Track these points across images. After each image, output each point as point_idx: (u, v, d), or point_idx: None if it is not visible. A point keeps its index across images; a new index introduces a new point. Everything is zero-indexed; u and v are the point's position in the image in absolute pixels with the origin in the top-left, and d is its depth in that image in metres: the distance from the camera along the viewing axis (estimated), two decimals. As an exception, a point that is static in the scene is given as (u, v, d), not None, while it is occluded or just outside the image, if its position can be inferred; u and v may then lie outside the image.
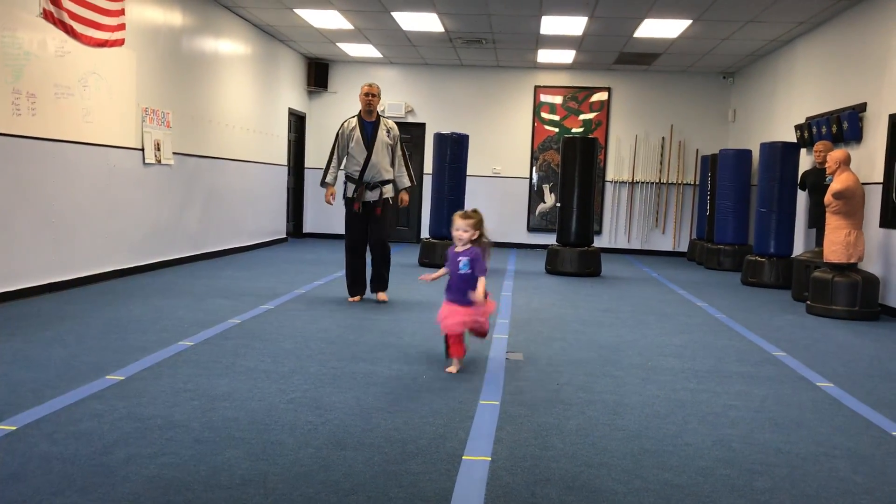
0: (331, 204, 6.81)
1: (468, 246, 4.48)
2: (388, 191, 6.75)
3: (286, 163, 12.79)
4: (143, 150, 7.98)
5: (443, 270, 4.60)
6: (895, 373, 4.89)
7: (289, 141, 12.92)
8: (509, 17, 9.61)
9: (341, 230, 14.20)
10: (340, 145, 6.73)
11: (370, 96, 6.69)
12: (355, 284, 6.82)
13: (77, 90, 6.82)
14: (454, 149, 10.05)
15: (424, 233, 13.34)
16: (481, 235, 4.53)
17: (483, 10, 9.32)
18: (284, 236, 12.81)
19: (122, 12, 7.20)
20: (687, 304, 7.56)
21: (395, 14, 9.68)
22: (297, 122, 13.43)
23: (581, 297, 7.82)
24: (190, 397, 3.67)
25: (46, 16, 6.21)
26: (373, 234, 6.72)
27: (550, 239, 12.16)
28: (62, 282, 6.73)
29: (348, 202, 6.73)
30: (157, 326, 5.32)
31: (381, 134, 6.70)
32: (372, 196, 6.67)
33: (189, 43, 9.00)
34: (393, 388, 4.00)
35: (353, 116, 6.80)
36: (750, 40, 10.32)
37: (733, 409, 3.90)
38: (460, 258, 4.44)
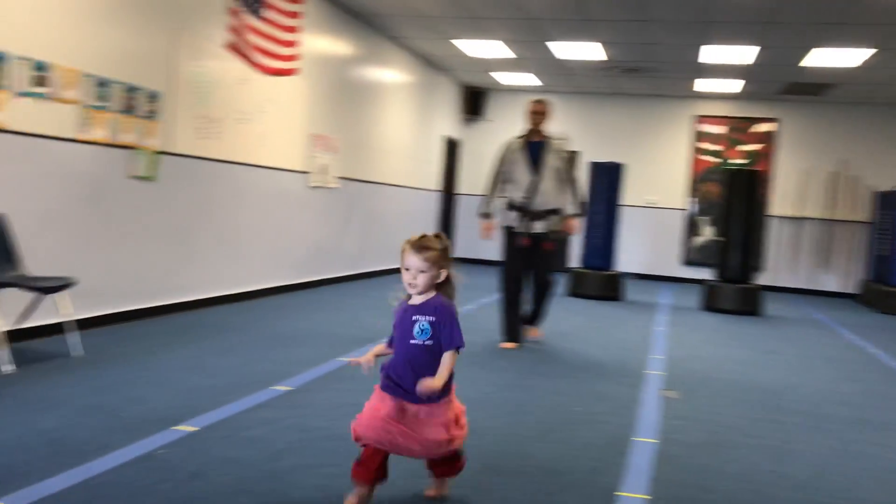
0: (488, 238, 6.06)
1: (429, 295, 2.75)
2: (557, 222, 5.95)
3: (438, 188, 13.08)
4: (309, 173, 8.40)
5: (379, 347, 2.80)
6: None
7: (442, 167, 13.21)
8: (670, 45, 9.44)
9: (492, 256, 14.38)
10: (502, 169, 5.97)
11: (537, 114, 5.93)
12: (513, 329, 5.95)
13: (255, 116, 7.29)
14: (609, 177, 9.95)
15: (573, 262, 13.22)
16: (449, 278, 2.79)
17: (645, 40, 9.21)
18: (435, 260, 13.06)
19: (297, 43, 7.65)
20: (858, 350, 7.09)
21: (556, 43, 9.73)
22: (451, 149, 13.72)
23: (741, 336, 7.49)
24: (351, 411, 3.78)
25: (230, 47, 6.69)
26: (538, 270, 5.95)
27: (706, 274, 11.74)
28: (233, 294, 7.17)
29: (509, 233, 5.92)
30: (320, 341, 5.56)
31: (549, 156, 5.88)
32: (538, 227, 5.85)
33: (356, 72, 9.42)
34: (546, 418, 3.99)
35: (517, 137, 6.05)
36: (936, 70, 9.63)
37: (914, 466, 3.62)
38: (416, 319, 2.69)
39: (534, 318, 6.17)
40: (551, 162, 5.86)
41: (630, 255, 12.93)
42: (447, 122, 13.18)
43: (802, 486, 3.21)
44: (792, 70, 10.25)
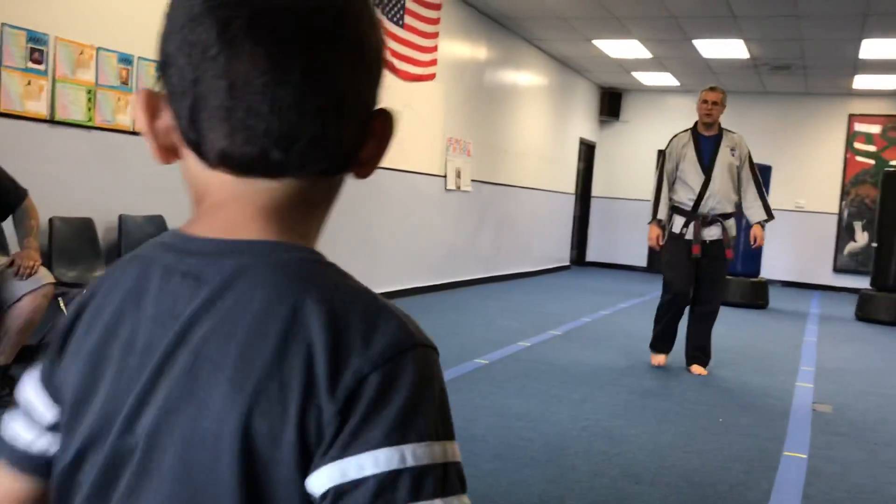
0: (656, 248, 5.23)
1: None
2: (732, 228, 5.21)
3: (574, 191, 12.94)
4: (445, 176, 8.51)
5: None
6: None
7: (578, 170, 13.06)
8: (824, 41, 8.93)
9: (626, 260, 14.11)
10: (669, 168, 5.23)
11: (710, 104, 5.14)
12: (664, 340, 5.29)
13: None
14: (754, 181, 9.53)
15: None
16: None
17: (795, 36, 8.76)
18: (568, 263, 12.94)
19: (435, 48, 7.77)
20: None
21: (697, 42, 9.43)
22: (587, 152, 13.54)
23: (899, 348, 7.00)
24: (487, 413, 3.82)
25: (373, 54, 6.88)
26: (703, 287, 5.14)
27: (861, 282, 11.04)
28: (371, 295, 7.36)
29: (675, 240, 5.15)
30: (455, 342, 5.62)
31: (724, 153, 5.15)
32: (710, 234, 5.09)
33: (491, 76, 9.47)
34: (688, 427, 3.87)
35: (686, 130, 5.32)
36: None
37: None
38: None
39: (701, 354, 5.20)
40: (726, 160, 5.13)
41: (777, 262, 12.32)
42: (583, 123, 13.02)
43: (975, 514, 2.96)
44: (961, 63, 9.48)
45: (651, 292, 10.04)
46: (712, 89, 5.20)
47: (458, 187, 8.82)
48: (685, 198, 5.16)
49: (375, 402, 0.55)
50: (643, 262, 13.45)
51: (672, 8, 8.01)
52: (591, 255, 13.89)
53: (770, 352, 6.31)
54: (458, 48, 8.55)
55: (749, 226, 5.27)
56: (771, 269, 11.94)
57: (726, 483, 3.09)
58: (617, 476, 3.06)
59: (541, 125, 11.19)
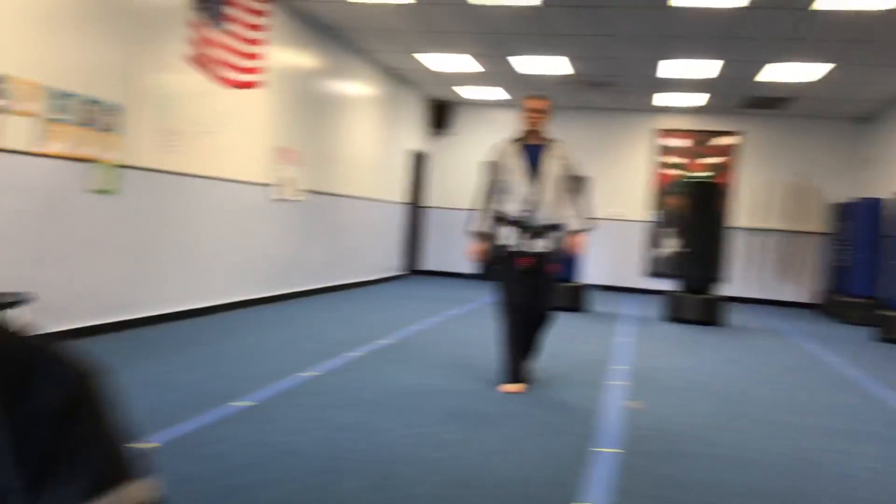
0: (480, 261, 5.12)
1: None
2: (562, 239, 5.04)
3: (406, 201, 13.09)
4: (273, 186, 8.36)
5: None
6: None
7: (409, 180, 13.22)
8: (632, 60, 9.57)
9: (461, 268, 14.41)
10: (493, 177, 5.07)
11: (535, 112, 5.04)
12: (517, 368, 4.94)
13: (217, 129, 7.24)
14: (573, 191, 10.03)
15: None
16: None
17: (608, 54, 9.33)
18: (402, 272, 13.06)
19: (260, 56, 7.62)
20: (815, 360, 7.21)
21: (518, 58, 9.81)
22: (418, 162, 13.75)
23: (701, 346, 7.58)
24: (314, 426, 3.78)
25: (192, 60, 6.65)
26: (535, 300, 4.96)
27: (670, 285, 11.87)
28: (196, 309, 7.09)
29: (506, 254, 4.98)
30: (283, 356, 5.52)
31: (550, 161, 5.00)
32: (540, 246, 4.94)
33: (321, 85, 9.41)
34: (511, 430, 4.00)
35: (511, 139, 5.18)
36: (892, 85, 9.86)
37: (872, 472, 3.69)
38: None
39: (525, 354, 5.05)
40: (553, 169, 4.98)
41: (594, 268, 13.03)
42: (414, 135, 13.20)
43: (765, 495, 3.25)
44: (752, 84, 10.44)
45: (482, 297, 10.33)
46: (536, 97, 5.10)
47: (288, 197, 8.69)
48: (512, 208, 4.98)
49: None
50: (475, 270, 13.81)
51: (498, 25, 8.30)
52: (429, 263, 14.08)
53: (586, 353, 6.65)
54: (286, 57, 8.43)
55: (570, 233, 5.04)
56: (589, 274, 12.61)
57: (541, 481, 3.22)
58: (441, 481, 3.12)
59: (372, 135, 11.25)
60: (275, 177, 8.38)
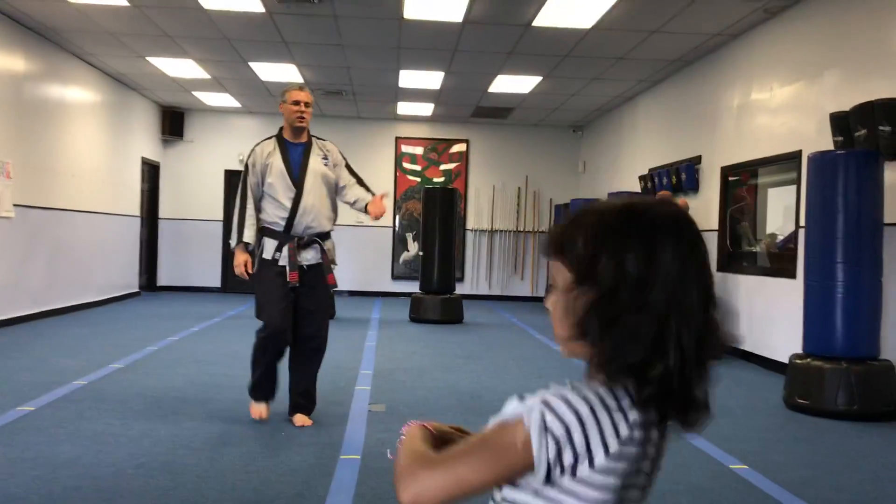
0: (246, 276, 4.34)
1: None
2: (332, 249, 4.56)
3: (139, 213, 12.32)
4: (-21, 201, 7.49)
5: None
6: (733, 408, 5.22)
7: (142, 191, 12.47)
8: (368, 70, 9.76)
9: (200, 281, 13.84)
10: (253, 181, 4.38)
11: (301, 105, 4.40)
12: (265, 385, 4.43)
13: None
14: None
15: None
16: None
17: (342, 63, 9.43)
18: (137, 290, 12.27)
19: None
20: (545, 348, 7.81)
21: (252, 64, 9.62)
22: (151, 172, 13.00)
23: (443, 344, 7.91)
24: (30, 467, 3.44)
25: None
26: (305, 320, 4.38)
27: (414, 287, 12.26)
28: None
29: (268, 267, 4.32)
30: (-7, 391, 4.96)
31: (315, 161, 4.42)
32: (307, 258, 4.38)
33: (32, 90, 8.58)
34: (250, 447, 3.91)
35: (269, 138, 4.50)
36: (596, 96, 10.93)
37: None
38: None
39: (306, 401, 4.45)
40: (319, 169, 4.41)
41: (342, 273, 13.10)
42: (146, 143, 12.46)
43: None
44: (478, 95, 11.08)
45: (225, 312, 9.99)
46: (300, 89, 4.47)
47: (-3, 214, 7.82)
48: (276, 216, 4.34)
49: None
50: (217, 283, 13.34)
51: (224, 30, 8.07)
52: (163, 279, 13.35)
53: (332, 360, 6.67)
54: (-14, 58, 7.60)
55: (365, 210, 4.52)
56: (338, 280, 12.68)
57: (284, 497, 3.18)
58: (174, 510, 2.97)
59: (96, 144, 10.46)
60: (-20, 192, 7.51)
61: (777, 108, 6.99)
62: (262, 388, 4.43)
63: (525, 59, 8.94)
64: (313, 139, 4.51)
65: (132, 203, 11.95)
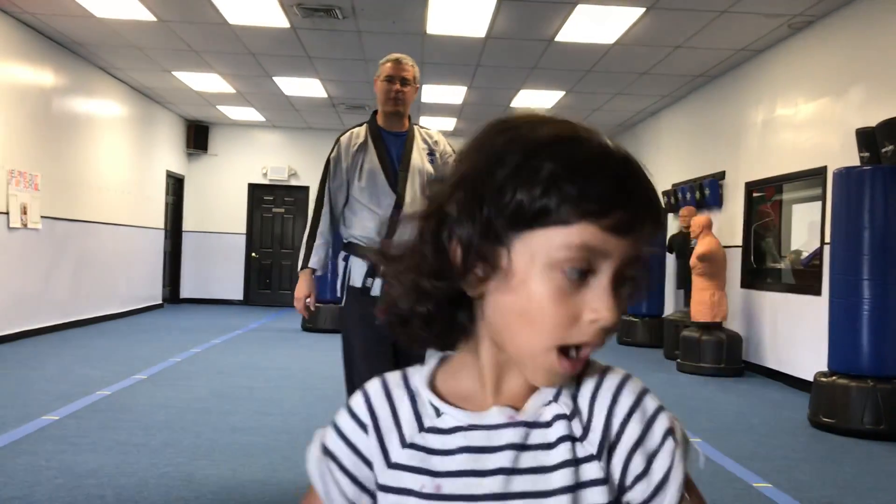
0: (307, 314, 3.32)
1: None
2: None
3: (163, 226, 12.44)
4: (7, 213, 7.60)
5: None
6: (757, 426, 5.17)
7: (166, 204, 12.59)
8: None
9: (221, 294, 13.93)
10: (335, 185, 3.26)
11: (396, 83, 3.24)
12: None
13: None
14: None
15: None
16: None
17: (365, 78, 9.48)
18: (160, 302, 12.37)
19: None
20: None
21: (276, 79, 9.72)
22: (176, 185, 13.14)
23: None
24: (53, 475, 3.46)
25: None
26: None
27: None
28: (-89, 354, 6.25)
29: (358, 299, 3.11)
30: (19, 401, 5.01)
31: (419, 157, 3.30)
32: None
33: (61, 104, 8.71)
34: (271, 459, 3.91)
35: (359, 125, 3.37)
36: (619, 111, 10.91)
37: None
38: None
39: None
40: (425, 167, 3.28)
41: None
42: (171, 156, 12.60)
43: None
44: (500, 110, 11.09)
45: (247, 324, 10.05)
46: (400, 61, 3.28)
47: (25, 225, 7.93)
48: (368, 229, 3.19)
49: None
50: (239, 296, 13.42)
51: (249, 45, 8.16)
52: (186, 291, 13.45)
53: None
54: (17, 73, 7.73)
55: None
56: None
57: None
58: (195, 521, 2.98)
59: (122, 158, 10.59)
60: (9, 204, 7.62)
61: (802, 124, 6.94)
62: None
63: (548, 74, 8.95)
64: (415, 128, 3.35)
65: (157, 215, 12.07)
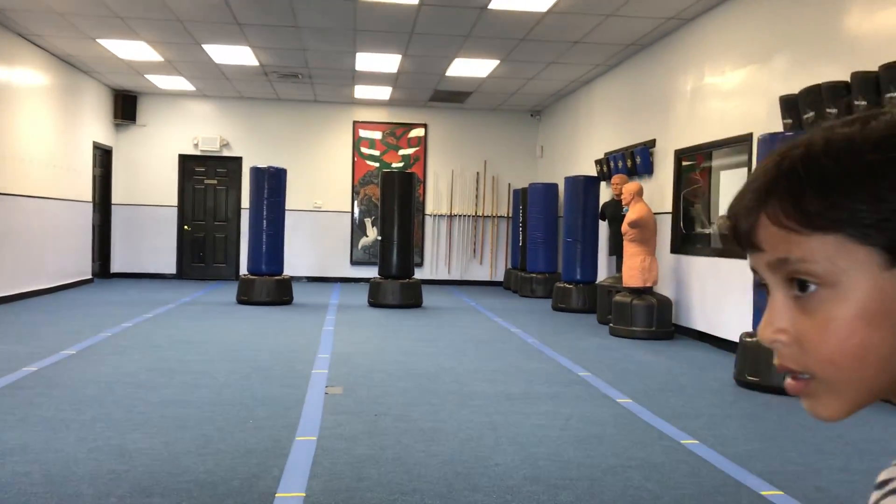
0: None
1: None
2: None
3: (91, 199, 12.08)
4: (-78, 186, 7.28)
5: None
6: (686, 386, 5.33)
7: (94, 176, 12.22)
8: (324, 52, 9.67)
9: (154, 268, 13.64)
10: None
11: None
12: None
13: None
14: (271, 183, 9.92)
15: (243, 269, 13.02)
16: None
17: (298, 45, 9.33)
18: (90, 277, 12.05)
19: None
20: (502, 331, 7.86)
21: (206, 47, 9.47)
22: (103, 157, 12.75)
23: (402, 328, 7.92)
24: (-25, 454, 3.37)
25: None
26: None
27: (373, 272, 12.23)
28: None
29: None
30: (-61, 379, 4.85)
31: None
32: None
33: (-23, 71, 8.34)
34: (204, 430, 3.88)
35: None
36: (553, 80, 10.98)
37: (541, 428, 4.10)
38: None
39: None
40: None
41: (300, 259, 13.06)
42: (98, 128, 12.21)
43: (449, 461, 3.48)
44: (436, 79, 11.05)
45: (179, 298, 9.87)
46: None
47: (-58, 199, 7.61)
48: None
49: None
50: (172, 269, 13.16)
51: (177, 11, 7.93)
52: (116, 265, 13.13)
53: (291, 344, 6.65)
54: (-73, 38, 7.36)
55: None
56: (295, 266, 12.64)
57: (239, 478, 3.17)
58: (125, 493, 2.94)
59: (46, 129, 10.21)
60: (-77, 176, 7.30)
61: (729, 92, 7.09)
62: None
63: (482, 43, 8.94)
64: None
65: (84, 188, 11.71)
